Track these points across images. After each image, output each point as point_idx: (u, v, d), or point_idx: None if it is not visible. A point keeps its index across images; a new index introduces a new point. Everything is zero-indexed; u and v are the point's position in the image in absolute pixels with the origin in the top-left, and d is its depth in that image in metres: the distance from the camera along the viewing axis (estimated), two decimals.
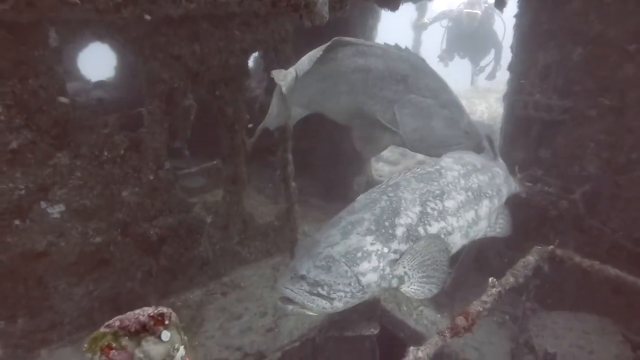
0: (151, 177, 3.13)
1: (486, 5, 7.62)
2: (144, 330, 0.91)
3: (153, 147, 3.07)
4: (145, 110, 3.01)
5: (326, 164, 5.16)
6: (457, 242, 2.14)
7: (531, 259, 2.58)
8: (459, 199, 2.14)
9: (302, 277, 1.80)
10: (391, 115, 2.70)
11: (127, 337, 0.90)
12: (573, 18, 3.21)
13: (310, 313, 1.83)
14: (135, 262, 3.21)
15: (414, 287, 1.93)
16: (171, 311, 0.92)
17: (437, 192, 2.09)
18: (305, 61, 2.47)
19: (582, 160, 3.42)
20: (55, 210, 2.63)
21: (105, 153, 2.83)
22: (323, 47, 2.42)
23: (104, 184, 2.87)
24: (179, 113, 4.63)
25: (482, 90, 9.56)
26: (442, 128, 2.69)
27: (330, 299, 1.80)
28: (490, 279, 2.21)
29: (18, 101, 2.41)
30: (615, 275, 2.44)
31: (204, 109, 4.73)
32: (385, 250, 1.88)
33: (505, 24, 7.53)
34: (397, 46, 2.71)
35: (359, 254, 1.83)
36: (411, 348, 1.79)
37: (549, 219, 3.41)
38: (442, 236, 2.03)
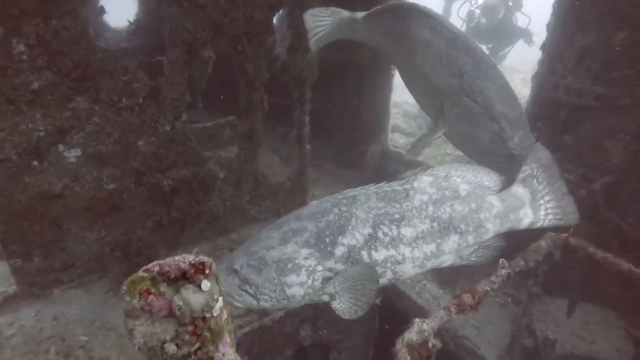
0: (168, 128, 3.11)
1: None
2: (184, 278, 0.89)
3: (172, 97, 3.03)
4: (166, 59, 2.95)
5: (342, 129, 5.08)
6: (409, 271, 1.98)
7: (543, 244, 2.55)
8: (420, 228, 1.93)
9: (235, 271, 1.80)
10: (439, 104, 2.55)
11: (165, 284, 0.88)
12: (619, 0, 3.02)
13: (238, 305, 1.84)
14: (146, 211, 3.24)
15: (343, 305, 1.87)
16: (212, 261, 0.90)
17: (396, 216, 1.91)
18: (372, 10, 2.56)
19: (607, 150, 3.32)
20: (72, 154, 2.64)
21: (124, 100, 2.80)
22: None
23: (121, 132, 2.86)
24: (197, 64, 4.57)
25: (507, 69, 9.26)
26: (487, 142, 2.46)
27: (257, 299, 1.80)
28: (500, 260, 2.19)
29: (41, 41, 2.36)
30: (627, 269, 2.42)
31: (221, 62, 4.66)
32: (319, 267, 1.81)
33: (529, 17, 7.14)
34: (469, 38, 2.54)
35: (290, 265, 1.78)
36: (416, 320, 1.80)
37: None
38: (390, 264, 1.89)
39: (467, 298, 1.96)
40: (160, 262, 0.90)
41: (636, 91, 3.08)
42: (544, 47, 3.62)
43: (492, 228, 2.07)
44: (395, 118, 7.03)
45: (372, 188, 1.99)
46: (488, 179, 2.12)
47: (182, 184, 3.36)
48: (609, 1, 3.12)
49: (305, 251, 1.80)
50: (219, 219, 3.78)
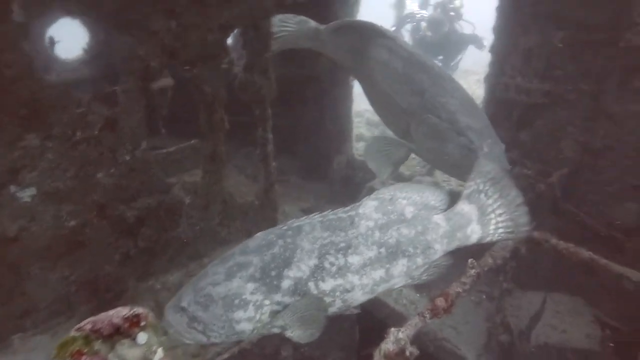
0: (127, 158, 3.04)
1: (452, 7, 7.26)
2: (118, 333, 0.86)
3: (129, 126, 2.97)
4: (119, 89, 2.89)
5: (307, 142, 5.11)
6: (359, 299, 1.96)
7: (509, 240, 2.63)
8: (367, 255, 1.91)
9: (183, 309, 1.77)
10: (404, 124, 2.56)
11: (100, 341, 0.85)
12: (556, 2, 3.19)
13: (189, 342, 1.82)
14: (112, 244, 3.14)
15: (296, 334, 1.86)
16: (148, 311, 0.87)
17: (342, 244, 1.88)
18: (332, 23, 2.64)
19: (560, 144, 3.47)
20: (26, 194, 2.53)
21: (79, 133, 2.72)
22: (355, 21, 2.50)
23: (78, 166, 2.77)
24: (156, 90, 4.50)
25: (462, 72, 9.57)
26: (457, 156, 2.46)
27: (207, 335, 1.78)
28: (469, 260, 2.25)
29: None
30: (588, 257, 2.52)
31: (182, 86, 4.61)
32: (266, 302, 1.80)
33: (473, 24, 7.34)
34: (424, 55, 2.59)
35: (237, 301, 1.76)
36: (392, 329, 1.81)
37: (527, 202, 3.48)
38: (338, 294, 1.88)
39: (440, 302, 1.99)
40: (94, 318, 0.87)
41: (580, 86, 3.25)
42: (492, 50, 3.77)
43: (440, 248, 2.06)
44: (359, 127, 7.12)
45: (317, 217, 1.96)
46: (434, 198, 2.09)
47: (147, 213, 3.28)
48: (548, 4, 3.29)
49: (251, 286, 1.78)
50: (189, 245, 3.70)
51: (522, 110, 3.60)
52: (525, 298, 3.13)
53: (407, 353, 1.72)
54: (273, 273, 1.80)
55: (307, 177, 5.13)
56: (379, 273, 1.92)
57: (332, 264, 1.86)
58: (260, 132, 3.84)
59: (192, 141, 4.25)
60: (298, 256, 1.83)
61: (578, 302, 3.07)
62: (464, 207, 2.12)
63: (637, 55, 2.91)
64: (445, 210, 2.10)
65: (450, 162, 2.50)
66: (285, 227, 1.93)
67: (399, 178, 4.34)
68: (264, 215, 4.21)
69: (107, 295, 3.00)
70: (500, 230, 2.12)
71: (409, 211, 2.03)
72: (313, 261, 1.84)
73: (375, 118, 7.45)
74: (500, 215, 2.11)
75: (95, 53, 4.02)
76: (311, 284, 1.84)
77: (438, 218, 2.06)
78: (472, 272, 2.18)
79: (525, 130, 3.64)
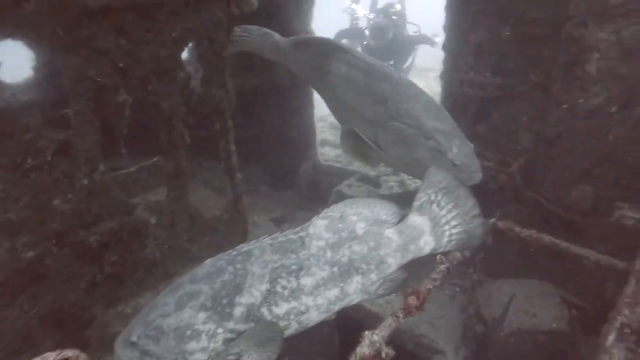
0: (85, 182, 2.93)
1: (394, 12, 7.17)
2: None
3: (84, 149, 2.87)
4: (71, 111, 2.79)
5: (272, 151, 5.09)
6: (315, 319, 1.94)
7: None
8: (320, 276, 1.87)
9: (133, 344, 1.72)
10: (372, 135, 2.55)
11: None
12: None
13: None
14: (76, 272, 3.02)
15: (253, 358, 1.82)
16: (78, 353, 0.82)
17: (294, 267, 1.84)
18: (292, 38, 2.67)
19: (517, 134, 3.59)
20: None
21: (30, 160, 2.61)
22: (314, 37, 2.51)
23: (31, 194, 2.65)
24: (112, 110, 4.37)
25: (420, 70, 9.78)
26: (427, 160, 2.41)
27: None
28: (437, 256, 2.28)
29: None
30: (550, 242, 2.61)
31: (140, 103, 4.51)
32: (219, 330, 1.75)
33: (418, 25, 7.36)
34: (383, 64, 2.60)
35: (189, 332, 1.71)
36: (366, 333, 1.82)
37: (491, 193, 3.58)
38: (293, 316, 1.86)
39: (412, 300, 2.01)
40: None
41: (530, 78, 3.38)
42: (445, 48, 3.86)
43: (394, 262, 2.02)
44: (323, 132, 7.15)
45: (266, 240, 1.91)
46: (385, 212, 2.05)
47: (111, 237, 3.17)
48: (494, 0, 3.41)
49: (202, 315, 1.72)
50: (157, 265, 3.60)
51: (478, 104, 3.70)
52: (495, 287, 3.20)
53: (383, 355, 1.73)
54: (224, 301, 1.75)
55: (275, 185, 5.11)
56: (333, 292, 1.89)
57: (284, 288, 1.82)
58: (223, 144, 3.80)
59: (154, 159, 4.18)
60: (249, 282, 1.78)
61: (545, 286, 3.16)
62: (416, 219, 2.08)
63: (577, 46, 3.05)
64: (397, 223, 2.07)
65: (422, 166, 2.45)
66: (234, 252, 1.88)
67: (365, 179, 4.38)
68: (234, 228, 4.16)
69: (74, 326, 2.88)
70: (454, 242, 2.10)
71: (360, 227, 1.99)
72: (265, 286, 1.80)
73: None
74: (455, 227, 2.09)
75: (42, 75, 3.89)
76: (264, 310, 1.79)
77: (390, 232, 2.03)
78: (442, 267, 2.21)
79: (483, 123, 3.75)
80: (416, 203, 2.12)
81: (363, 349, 1.68)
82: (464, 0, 3.55)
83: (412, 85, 2.56)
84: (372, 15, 7.87)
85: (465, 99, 3.72)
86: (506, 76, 3.51)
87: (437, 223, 2.08)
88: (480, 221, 2.12)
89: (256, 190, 5.07)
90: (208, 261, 1.90)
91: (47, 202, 2.75)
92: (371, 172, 4.43)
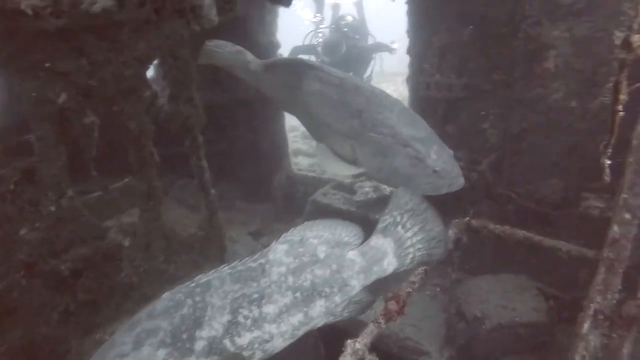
0: (53, 209, 2.84)
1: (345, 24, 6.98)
2: None
3: (50, 175, 2.78)
4: (34, 137, 2.71)
5: (245, 165, 5.06)
6: (280, 345, 1.90)
7: (450, 232, 2.73)
8: (283, 302, 1.84)
9: None
10: (349, 150, 2.52)
11: None
12: (459, 2, 3.40)
13: None
14: (47, 303, 2.91)
15: None
16: None
17: (255, 295, 1.80)
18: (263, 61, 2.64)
19: (485, 132, 3.68)
20: None
21: None
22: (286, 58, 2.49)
23: None
24: (80, 133, 4.27)
25: (389, 74, 9.92)
26: (407, 168, 2.40)
27: None
28: None
29: None
30: (523, 236, 2.67)
31: (109, 123, 4.42)
32: None
33: (374, 37, 7.30)
34: (355, 77, 2.60)
35: None
36: (348, 342, 1.81)
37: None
38: (257, 345, 1.81)
39: (392, 305, 2.02)
40: None
41: (493, 77, 3.47)
42: (409, 52, 3.93)
43: (358, 284, 1.99)
44: (295, 142, 7.15)
45: (225, 270, 1.86)
46: (347, 234, 2.03)
47: (83, 263, 3.08)
48: (453, 3, 3.50)
49: (162, 352, 1.65)
50: (134, 289, 3.51)
51: (445, 106, 3.77)
52: (474, 284, 3.25)
53: None
54: (184, 336, 1.68)
55: (250, 199, 5.07)
56: (297, 318, 1.86)
57: (246, 317, 1.77)
58: (195, 161, 3.75)
59: (125, 180, 4.09)
60: (209, 314, 1.72)
61: (522, 279, 3.22)
62: (379, 240, 2.06)
63: (534, 44, 3.15)
64: (360, 244, 2.04)
65: (402, 175, 2.45)
66: (193, 284, 1.82)
67: (340, 187, 4.39)
68: (211, 245, 4.10)
69: (49, 359, 2.77)
70: (416, 262, 2.11)
71: (322, 250, 1.96)
72: (226, 317, 1.74)
73: None
74: (419, 249, 2.09)
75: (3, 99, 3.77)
76: (227, 341, 1.73)
77: (353, 254, 2.00)
78: (420, 270, 2.23)
79: (452, 124, 3.82)
80: (381, 225, 2.10)
81: (346, 358, 1.67)
82: (425, 4, 3.63)
83: (386, 95, 2.56)
84: (323, 26, 7.76)
85: (433, 101, 3.79)
86: (471, 76, 3.59)
87: (402, 245, 2.07)
88: (441, 251, 2.13)
89: (231, 205, 5.02)
90: (166, 294, 1.82)
91: (13, 233, 2.65)
92: (346, 179, 4.45)
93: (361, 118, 2.42)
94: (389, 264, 2.05)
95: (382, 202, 3.86)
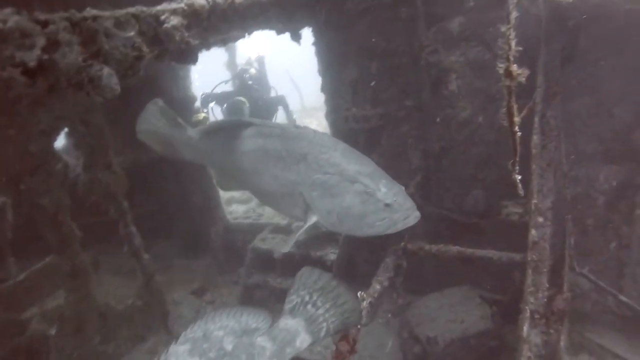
0: None
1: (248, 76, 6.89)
2: None
3: None
4: None
5: (177, 221, 4.90)
6: None
7: (388, 260, 2.79)
8: None
9: None
10: (299, 198, 2.43)
11: None
12: (361, 39, 3.60)
13: None
14: None
15: None
16: None
17: None
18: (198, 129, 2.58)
19: (407, 155, 3.84)
20: None
21: None
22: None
23: None
24: None
25: (311, 109, 10.19)
26: (358, 205, 2.27)
27: None
28: (358, 293, 2.30)
29: None
30: (457, 251, 2.78)
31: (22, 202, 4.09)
32: None
33: (276, 90, 7.38)
34: (295, 124, 2.57)
35: None
36: None
37: None
38: None
39: (343, 346, 1.99)
40: None
41: (405, 104, 3.66)
42: (323, 89, 4.06)
43: None
44: None
45: None
46: (254, 320, 1.96)
47: None
48: (352, 39, 3.68)
49: None
50: None
51: (365, 136, 3.91)
52: (423, 304, 3.31)
53: None
54: None
55: (189, 255, 4.88)
56: None
57: None
58: (123, 227, 3.57)
59: (45, 260, 3.78)
60: None
61: (465, 290, 3.34)
62: (288, 322, 2.01)
63: (436, 70, 3.40)
64: (269, 327, 1.98)
65: (354, 216, 2.31)
66: None
67: (278, 230, 4.36)
68: (152, 312, 3.87)
69: None
70: (332, 332, 2.08)
71: (229, 342, 1.86)
72: None
73: None
74: (333, 322, 2.06)
75: None
76: None
77: (262, 340, 1.93)
78: (364, 303, 2.23)
79: (374, 153, 3.94)
80: (288, 306, 2.05)
81: None
82: (331, 43, 3.78)
83: (328, 136, 2.53)
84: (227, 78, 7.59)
85: (354, 133, 3.91)
86: (385, 106, 3.76)
87: (314, 322, 2.04)
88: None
89: (169, 265, 4.79)
90: None
91: None
92: (282, 221, 4.43)
93: (306, 161, 2.37)
94: (302, 342, 1.99)
95: (321, 239, 3.88)
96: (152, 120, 2.77)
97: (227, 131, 2.65)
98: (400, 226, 2.24)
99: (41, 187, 2.97)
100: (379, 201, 2.22)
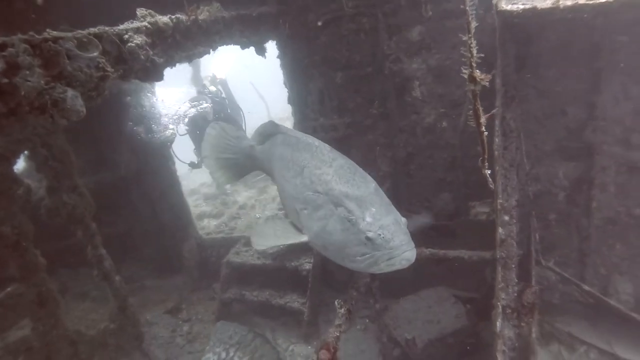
0: None
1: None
2: None
3: None
4: None
5: (148, 241, 4.79)
6: None
7: None
8: None
9: None
10: (294, 213, 2.26)
11: None
12: (325, 50, 3.66)
13: None
14: None
15: None
16: None
17: None
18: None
19: (375, 162, 3.91)
20: None
21: None
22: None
23: None
24: None
25: (279, 120, 10.19)
26: (339, 233, 1.99)
27: None
28: (336, 302, 2.32)
29: None
30: (430, 253, 2.85)
31: None
32: None
33: (241, 108, 7.47)
34: (309, 135, 2.43)
35: None
36: None
37: None
38: None
39: (324, 355, 2.00)
40: None
41: (371, 112, 3.74)
42: (289, 101, 4.09)
43: None
44: (198, 205, 6.93)
45: None
46: None
47: None
48: (316, 51, 3.74)
49: None
50: None
51: (335, 145, 3.93)
52: (400, 307, 3.36)
53: None
54: None
55: (162, 275, 4.78)
56: None
57: None
58: (91, 250, 3.46)
59: (8, 289, 3.61)
60: None
61: (440, 290, 3.42)
62: None
63: (399, 78, 3.50)
64: None
65: (335, 244, 2.03)
66: None
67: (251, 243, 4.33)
68: (126, 335, 3.75)
69: None
70: None
71: None
72: None
73: (211, 190, 7.39)
74: None
75: None
76: None
77: None
78: (342, 311, 2.25)
79: None
80: None
81: None
82: (295, 56, 3.83)
83: (330, 150, 2.31)
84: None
85: (323, 142, 3.94)
86: (352, 114, 3.83)
87: None
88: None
89: (142, 285, 4.68)
90: None
91: None
92: None
93: (302, 175, 2.18)
94: None
95: (295, 249, 3.88)
96: (215, 142, 2.84)
97: (271, 138, 2.62)
98: (384, 267, 1.92)
99: (1, 214, 2.85)
100: (360, 232, 1.92)
